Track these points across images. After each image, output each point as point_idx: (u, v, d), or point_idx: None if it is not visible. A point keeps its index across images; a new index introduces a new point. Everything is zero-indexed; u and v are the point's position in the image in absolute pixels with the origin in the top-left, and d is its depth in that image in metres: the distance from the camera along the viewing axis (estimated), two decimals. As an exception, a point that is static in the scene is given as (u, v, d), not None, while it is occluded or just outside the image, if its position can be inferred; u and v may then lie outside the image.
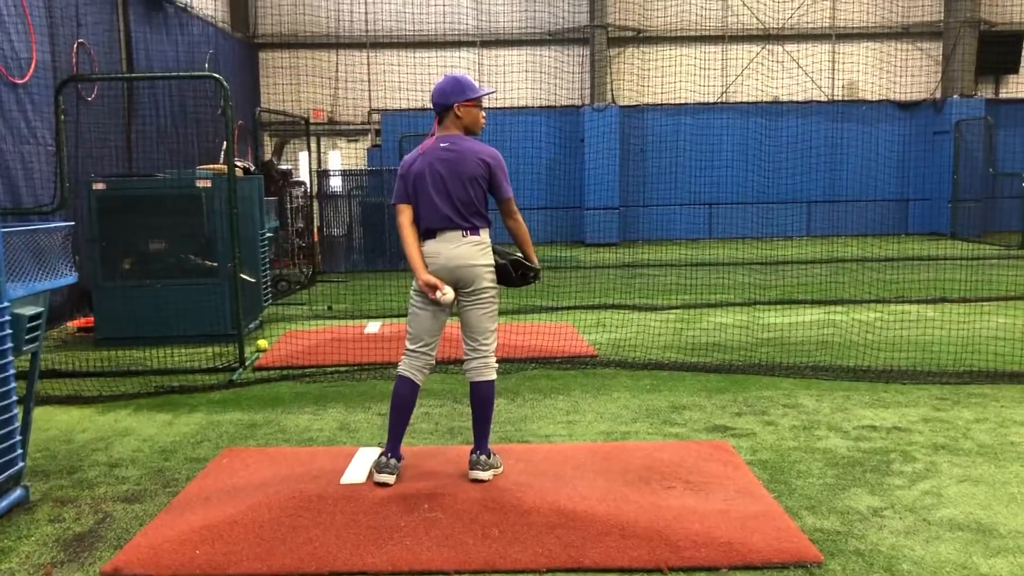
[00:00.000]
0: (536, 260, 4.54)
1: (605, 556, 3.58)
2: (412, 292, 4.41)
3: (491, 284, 4.39)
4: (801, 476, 4.53)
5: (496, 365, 4.44)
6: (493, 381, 4.41)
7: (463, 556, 3.60)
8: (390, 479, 4.29)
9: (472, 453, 4.41)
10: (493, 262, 4.39)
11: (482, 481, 4.29)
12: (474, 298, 4.36)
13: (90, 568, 3.64)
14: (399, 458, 4.40)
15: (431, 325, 4.42)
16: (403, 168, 4.41)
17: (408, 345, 4.45)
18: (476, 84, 4.41)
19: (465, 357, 4.45)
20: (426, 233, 4.34)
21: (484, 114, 4.46)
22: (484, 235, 4.37)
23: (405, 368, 4.44)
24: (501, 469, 4.45)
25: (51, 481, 4.70)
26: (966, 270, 12.39)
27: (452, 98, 4.33)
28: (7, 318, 4.10)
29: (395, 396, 4.43)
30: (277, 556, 3.62)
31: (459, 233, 4.30)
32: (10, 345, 4.14)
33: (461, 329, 4.46)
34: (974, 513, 4.01)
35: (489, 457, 4.40)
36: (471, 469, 4.35)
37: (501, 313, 9.83)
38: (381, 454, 4.41)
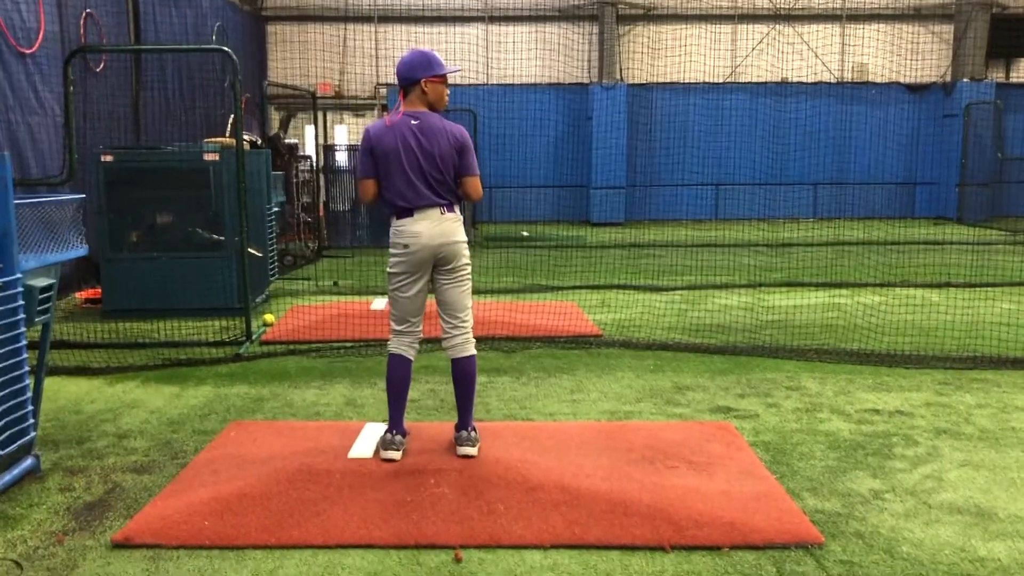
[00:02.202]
0: None
1: (608, 533, 3.62)
2: (391, 276, 4.43)
3: (468, 260, 4.45)
4: (803, 458, 4.57)
5: (473, 340, 4.49)
6: (475, 356, 4.46)
7: (468, 531, 3.65)
8: (396, 455, 4.33)
9: (459, 430, 4.44)
10: (466, 238, 4.45)
11: (471, 457, 4.32)
12: (455, 275, 4.40)
13: (100, 536, 3.70)
14: (404, 433, 4.45)
15: (415, 306, 4.48)
16: (368, 141, 4.32)
17: (394, 326, 4.49)
18: (443, 61, 4.36)
19: (445, 336, 4.49)
20: (401, 211, 4.31)
21: (448, 91, 4.41)
22: (457, 211, 4.40)
23: (395, 347, 4.48)
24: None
25: (61, 451, 4.76)
26: (972, 255, 12.39)
27: (420, 72, 4.27)
28: (20, 289, 4.13)
29: (391, 374, 4.47)
30: (285, 529, 3.67)
31: (437, 210, 4.30)
32: (22, 316, 4.18)
33: (439, 307, 4.50)
34: (974, 497, 4.05)
35: (474, 432, 4.45)
36: (460, 445, 4.38)
37: (506, 291, 9.88)
38: (386, 431, 4.46)
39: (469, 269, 4.47)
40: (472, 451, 4.36)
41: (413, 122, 4.29)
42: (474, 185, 4.39)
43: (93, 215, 8.58)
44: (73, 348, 7.11)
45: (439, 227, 4.30)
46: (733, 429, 4.98)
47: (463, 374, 4.45)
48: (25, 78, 9.17)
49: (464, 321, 4.46)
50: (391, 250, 4.40)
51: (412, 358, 4.51)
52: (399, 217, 4.34)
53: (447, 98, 4.39)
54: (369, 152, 4.33)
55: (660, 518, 3.73)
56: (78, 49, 8.17)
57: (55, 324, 5.73)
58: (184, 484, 4.17)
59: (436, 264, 4.36)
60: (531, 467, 4.24)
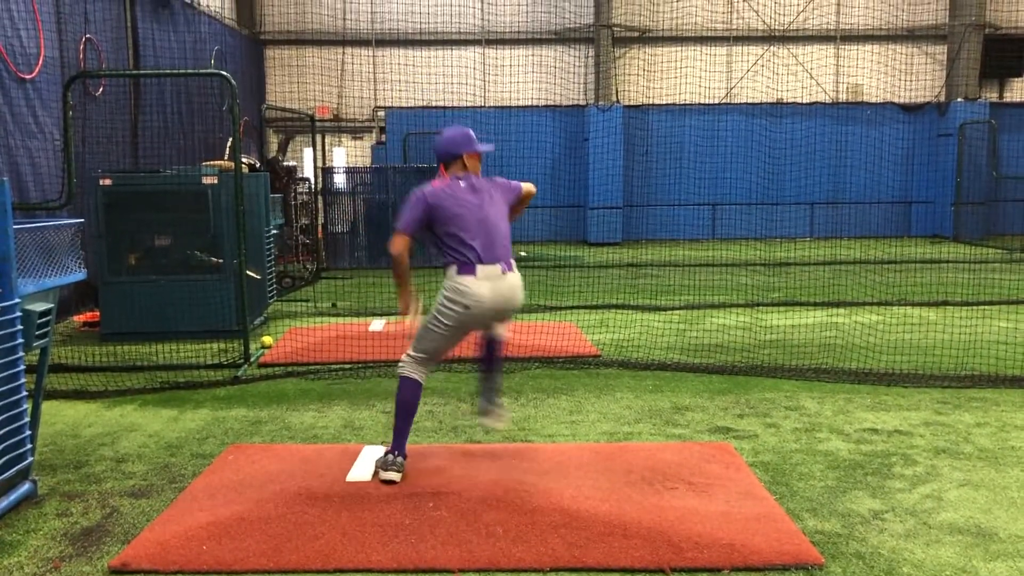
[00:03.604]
0: None
1: (608, 556, 3.61)
2: (438, 313, 4.45)
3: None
4: (803, 478, 4.56)
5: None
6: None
7: (467, 554, 3.63)
8: (397, 477, 4.33)
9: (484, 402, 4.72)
10: None
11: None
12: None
13: (98, 562, 3.68)
14: (405, 456, 4.44)
15: (447, 348, 4.58)
16: (424, 200, 4.49)
17: (417, 355, 4.50)
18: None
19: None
20: (465, 267, 4.36)
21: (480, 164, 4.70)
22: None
23: (412, 372, 4.49)
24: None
25: (58, 475, 4.74)
26: (968, 273, 12.42)
27: (463, 148, 4.59)
28: (18, 314, 4.14)
29: (402, 397, 4.47)
30: (283, 553, 3.66)
31: (506, 265, 4.44)
32: (21, 341, 4.18)
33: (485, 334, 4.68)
34: (974, 517, 4.04)
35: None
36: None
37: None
38: (387, 452, 4.45)
39: None
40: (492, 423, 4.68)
41: (463, 183, 4.53)
42: (528, 188, 4.78)
43: (92, 238, 8.59)
44: (71, 372, 7.10)
45: (515, 279, 4.48)
46: (732, 450, 4.97)
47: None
48: (25, 103, 9.21)
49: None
50: (448, 302, 4.43)
51: (424, 383, 4.58)
52: (462, 273, 4.39)
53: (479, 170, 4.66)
54: (422, 209, 4.47)
55: (660, 540, 3.72)
56: (78, 74, 8.22)
57: (53, 348, 5.73)
58: (182, 508, 4.15)
59: (503, 316, 4.55)
60: (530, 489, 4.23)
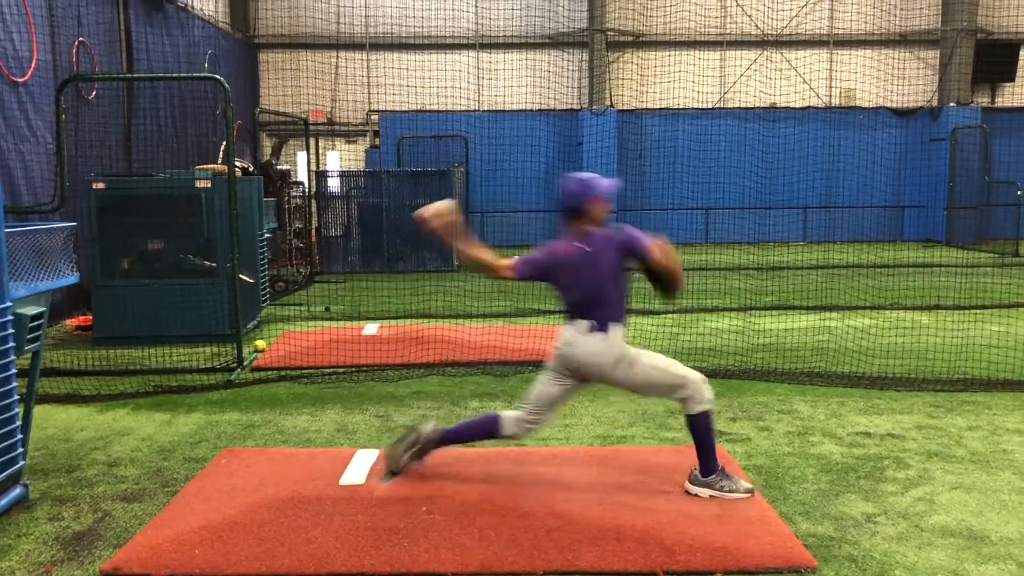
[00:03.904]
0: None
1: (601, 559, 3.61)
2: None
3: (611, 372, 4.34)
4: (795, 482, 4.57)
5: (697, 394, 4.31)
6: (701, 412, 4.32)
7: (461, 558, 3.63)
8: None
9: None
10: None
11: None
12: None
13: (89, 567, 3.67)
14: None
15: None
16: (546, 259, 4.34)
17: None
18: (599, 179, 4.37)
19: None
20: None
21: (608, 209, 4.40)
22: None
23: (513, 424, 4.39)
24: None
25: (50, 479, 4.72)
26: (961, 277, 12.46)
27: (589, 195, 4.29)
28: (9, 318, 4.13)
29: (479, 425, 4.45)
30: (276, 557, 3.65)
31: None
32: (12, 345, 4.17)
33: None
34: (966, 520, 4.06)
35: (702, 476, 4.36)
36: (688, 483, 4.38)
37: (498, 316, 9.88)
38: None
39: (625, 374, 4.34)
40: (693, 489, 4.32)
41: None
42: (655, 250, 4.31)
43: (84, 242, 8.57)
44: (63, 376, 7.08)
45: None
46: (725, 453, 4.98)
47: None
48: (17, 106, 9.19)
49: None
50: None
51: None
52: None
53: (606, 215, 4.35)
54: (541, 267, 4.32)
55: (653, 543, 3.73)
56: (70, 78, 8.22)
57: (46, 351, 5.72)
58: (175, 512, 4.14)
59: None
60: (523, 493, 4.23)
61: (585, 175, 4.42)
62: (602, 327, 4.23)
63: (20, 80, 9.20)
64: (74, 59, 10.42)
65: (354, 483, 4.38)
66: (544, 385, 4.39)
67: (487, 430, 4.46)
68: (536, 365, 7.25)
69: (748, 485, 4.33)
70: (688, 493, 4.30)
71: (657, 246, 4.21)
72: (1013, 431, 5.41)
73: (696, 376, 4.31)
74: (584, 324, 4.23)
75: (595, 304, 4.24)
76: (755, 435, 5.39)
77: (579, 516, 3.97)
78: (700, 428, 4.31)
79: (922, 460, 4.89)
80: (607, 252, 4.25)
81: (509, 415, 4.43)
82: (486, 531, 3.85)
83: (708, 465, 4.31)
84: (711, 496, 4.26)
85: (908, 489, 4.45)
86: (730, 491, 4.25)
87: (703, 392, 4.27)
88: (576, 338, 4.25)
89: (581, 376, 4.33)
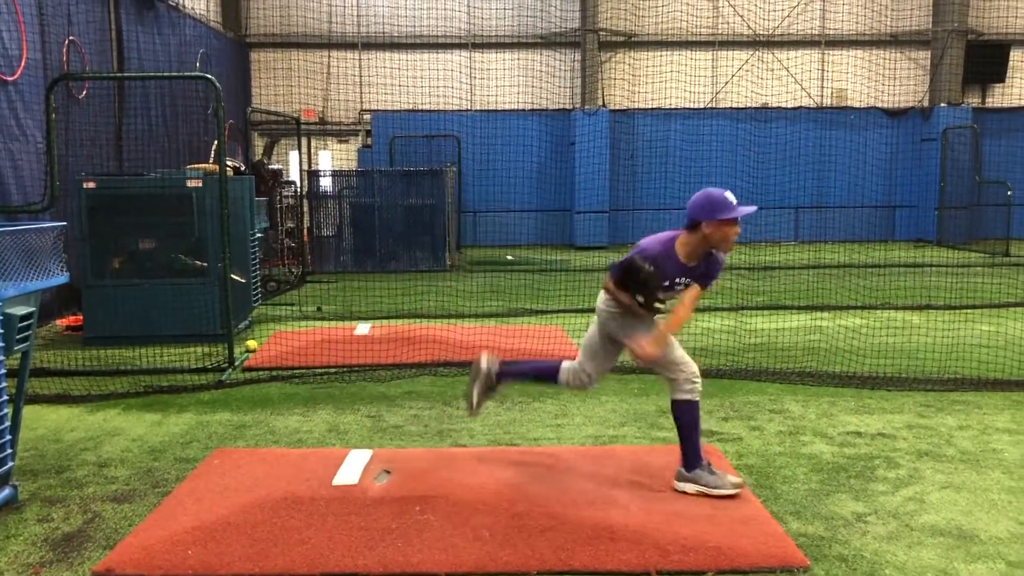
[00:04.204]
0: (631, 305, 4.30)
1: (594, 559, 3.61)
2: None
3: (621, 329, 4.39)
4: (786, 481, 4.58)
5: (689, 381, 4.33)
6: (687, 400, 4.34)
7: (454, 558, 3.63)
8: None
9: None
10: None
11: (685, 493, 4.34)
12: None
13: (79, 568, 3.65)
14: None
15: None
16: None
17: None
18: (732, 201, 4.21)
19: None
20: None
21: (738, 231, 4.24)
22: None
23: None
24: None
25: (40, 480, 4.70)
26: (952, 277, 12.51)
27: (702, 215, 4.18)
28: (-1, 318, 4.11)
29: (542, 366, 4.57)
30: (269, 557, 3.64)
31: None
32: (1, 345, 4.14)
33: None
34: (956, 519, 4.07)
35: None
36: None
37: (491, 315, 9.88)
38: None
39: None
40: (679, 486, 4.35)
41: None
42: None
43: (75, 242, 8.54)
44: (53, 376, 7.05)
45: None
46: (718, 452, 4.99)
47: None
48: (7, 105, 9.15)
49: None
50: None
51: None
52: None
53: (733, 239, 4.24)
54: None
55: (646, 543, 3.73)
56: (61, 77, 8.18)
57: (35, 352, 5.69)
58: (167, 513, 4.13)
59: None
60: (516, 493, 4.23)
61: (718, 193, 4.22)
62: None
63: (10, 79, 9.16)
64: (64, 58, 10.37)
65: (347, 483, 4.37)
66: (588, 335, 4.53)
67: (547, 374, 4.58)
68: (528, 365, 7.26)
69: (736, 480, 4.33)
70: (676, 491, 4.32)
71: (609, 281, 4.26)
72: (1003, 430, 5.44)
73: (693, 367, 4.35)
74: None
75: None
76: (746, 435, 5.40)
77: (572, 516, 3.97)
78: (683, 417, 4.34)
79: (912, 460, 4.91)
80: (681, 271, 4.27)
81: (567, 363, 4.54)
82: (480, 531, 3.85)
83: (691, 459, 4.34)
84: (697, 492, 4.27)
85: (898, 489, 4.47)
86: (715, 487, 4.27)
87: (693, 382, 4.31)
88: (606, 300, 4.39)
89: (604, 328, 4.41)
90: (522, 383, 4.55)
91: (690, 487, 4.30)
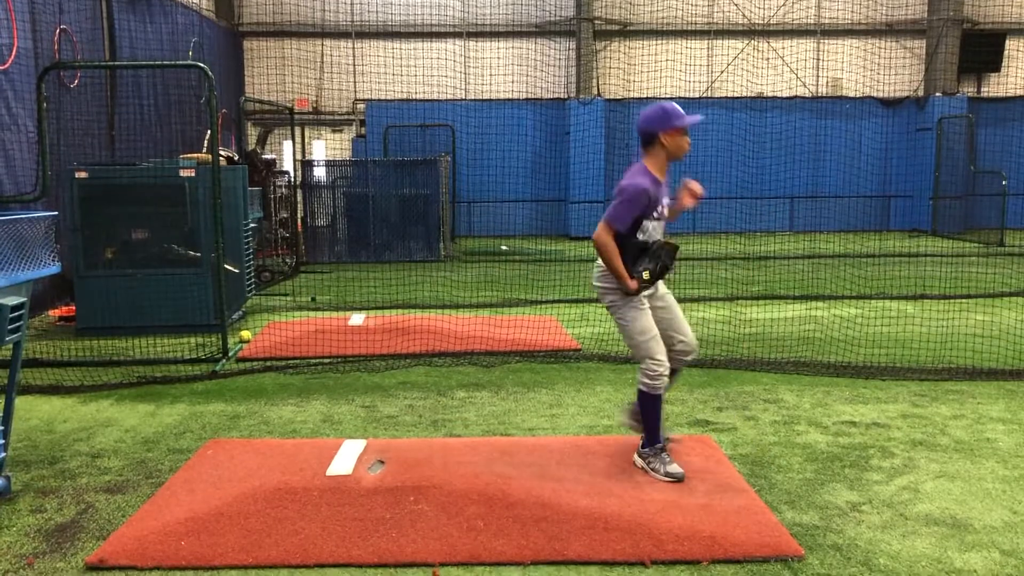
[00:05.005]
0: (626, 283, 4.32)
1: (589, 549, 3.61)
2: (617, 306, 4.39)
3: (616, 307, 4.40)
4: (781, 471, 4.58)
5: (647, 372, 4.34)
6: (638, 390, 4.41)
7: (448, 548, 3.62)
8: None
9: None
10: (610, 285, 4.39)
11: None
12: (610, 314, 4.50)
13: (72, 559, 3.64)
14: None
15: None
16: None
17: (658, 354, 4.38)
18: (683, 112, 4.37)
19: None
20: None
21: (689, 140, 4.43)
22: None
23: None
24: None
25: (33, 471, 4.68)
26: (946, 267, 12.53)
27: (657, 126, 4.34)
28: (-10, 308, 4.07)
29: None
30: (263, 548, 3.63)
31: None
32: (-7, 335, 4.12)
33: None
34: (950, 508, 4.08)
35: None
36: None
37: (485, 306, 9.86)
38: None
39: (616, 314, 4.41)
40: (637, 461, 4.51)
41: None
42: (597, 229, 4.30)
43: (67, 232, 8.50)
44: (46, 366, 7.02)
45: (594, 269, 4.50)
46: (712, 442, 4.99)
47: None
48: (-2, 94, 9.08)
49: (634, 355, 4.45)
50: None
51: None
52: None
53: (687, 146, 4.41)
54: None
55: (640, 533, 3.73)
56: (52, 65, 8.11)
57: (28, 342, 5.66)
58: (160, 504, 4.11)
59: None
60: (511, 483, 4.22)
61: (669, 104, 4.40)
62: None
63: (0, 68, 9.08)
64: (56, 47, 10.30)
65: (341, 474, 4.36)
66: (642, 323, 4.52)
67: (653, 402, 4.44)
68: (523, 355, 7.26)
69: (677, 471, 4.34)
70: (635, 465, 4.49)
71: (602, 229, 4.27)
72: (997, 420, 5.45)
73: (664, 364, 4.34)
74: None
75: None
76: (741, 424, 5.40)
77: (567, 506, 3.97)
78: (643, 403, 4.43)
79: (907, 449, 4.92)
80: (616, 189, 4.38)
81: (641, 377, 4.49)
82: (474, 521, 3.84)
83: (649, 438, 4.47)
84: (642, 468, 4.44)
85: (893, 478, 4.47)
86: (653, 470, 4.39)
87: (652, 378, 4.33)
88: (597, 264, 4.45)
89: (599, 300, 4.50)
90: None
91: (639, 462, 4.49)
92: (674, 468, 4.38)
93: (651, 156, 4.40)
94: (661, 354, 4.36)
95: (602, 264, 4.39)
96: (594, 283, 4.50)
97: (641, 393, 4.41)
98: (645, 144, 4.40)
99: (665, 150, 4.36)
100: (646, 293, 4.42)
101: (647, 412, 4.45)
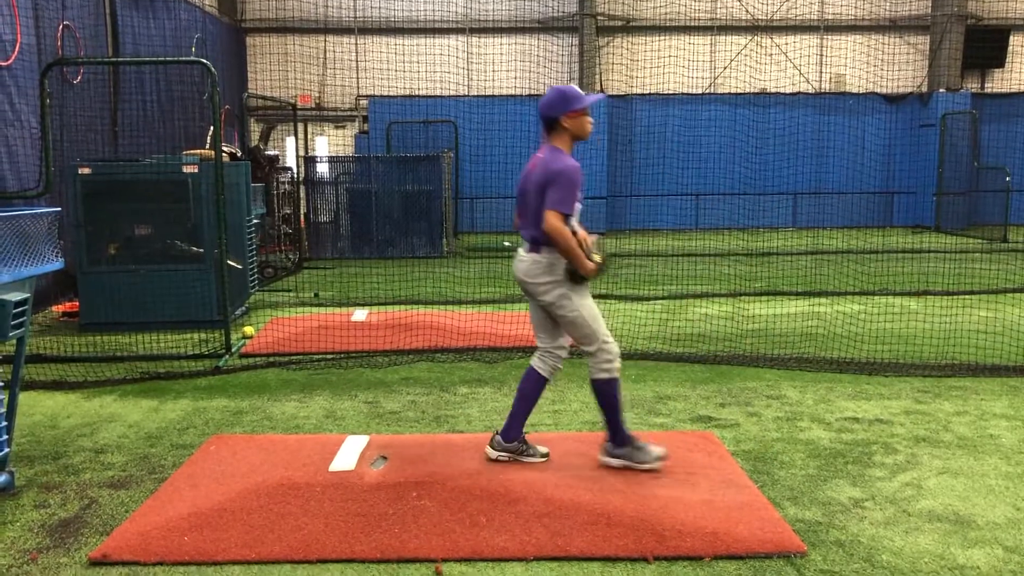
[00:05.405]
0: (586, 266, 4.22)
1: (591, 544, 3.61)
2: (564, 299, 4.31)
3: (556, 299, 4.32)
4: (784, 467, 4.58)
5: (607, 356, 4.34)
6: (594, 380, 4.39)
7: (451, 544, 3.62)
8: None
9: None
10: (553, 279, 4.29)
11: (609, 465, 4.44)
12: (549, 311, 4.42)
13: (75, 554, 3.65)
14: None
15: (534, 322, 4.53)
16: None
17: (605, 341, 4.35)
18: (582, 93, 4.35)
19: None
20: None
21: (591, 120, 4.39)
22: (544, 252, 4.28)
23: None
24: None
25: (36, 466, 4.69)
26: (950, 263, 12.51)
27: (558, 110, 4.30)
28: (-7, 304, 4.08)
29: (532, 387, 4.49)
30: (265, 544, 3.63)
31: (525, 247, 4.37)
32: (-4, 331, 4.12)
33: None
34: (953, 505, 4.07)
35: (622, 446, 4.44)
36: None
37: (487, 302, 9.85)
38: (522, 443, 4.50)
39: (562, 308, 4.31)
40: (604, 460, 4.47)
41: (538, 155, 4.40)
42: (546, 218, 4.17)
43: (70, 228, 8.51)
44: (50, 362, 7.03)
45: (519, 263, 4.40)
46: (715, 438, 4.99)
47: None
48: (1, 90, 9.08)
49: (586, 349, 4.38)
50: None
51: (543, 373, 4.51)
52: None
53: (590, 127, 4.37)
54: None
55: (643, 528, 3.73)
56: (55, 61, 8.11)
57: (31, 338, 5.67)
58: (163, 499, 4.12)
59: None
60: (513, 478, 4.23)
61: (568, 87, 4.37)
62: (535, 248, 4.31)
63: (4, 64, 9.09)
64: (59, 43, 10.30)
65: (344, 469, 4.37)
66: (531, 310, 4.56)
67: (533, 387, 4.50)
68: (525, 351, 7.26)
69: (659, 452, 4.38)
70: (600, 465, 4.42)
71: (553, 217, 4.14)
72: (1000, 416, 5.44)
73: (613, 346, 4.35)
74: (527, 244, 4.36)
75: (530, 224, 4.33)
76: (744, 420, 5.40)
77: (569, 501, 3.97)
78: (601, 394, 4.39)
79: (910, 445, 4.91)
80: (536, 175, 4.31)
81: (538, 363, 4.53)
82: (476, 517, 3.84)
83: (616, 436, 4.42)
84: (622, 465, 4.38)
85: (896, 474, 4.47)
86: (640, 461, 4.37)
87: (610, 360, 4.32)
88: (520, 255, 4.40)
89: (530, 295, 4.42)
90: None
91: (615, 461, 4.42)
92: (658, 449, 4.40)
93: (558, 139, 4.36)
94: (609, 334, 4.38)
95: (539, 258, 4.28)
96: (527, 279, 4.34)
97: (604, 383, 4.33)
98: (549, 129, 4.37)
99: (568, 132, 4.33)
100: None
101: (614, 400, 4.37)
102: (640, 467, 4.38)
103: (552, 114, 4.32)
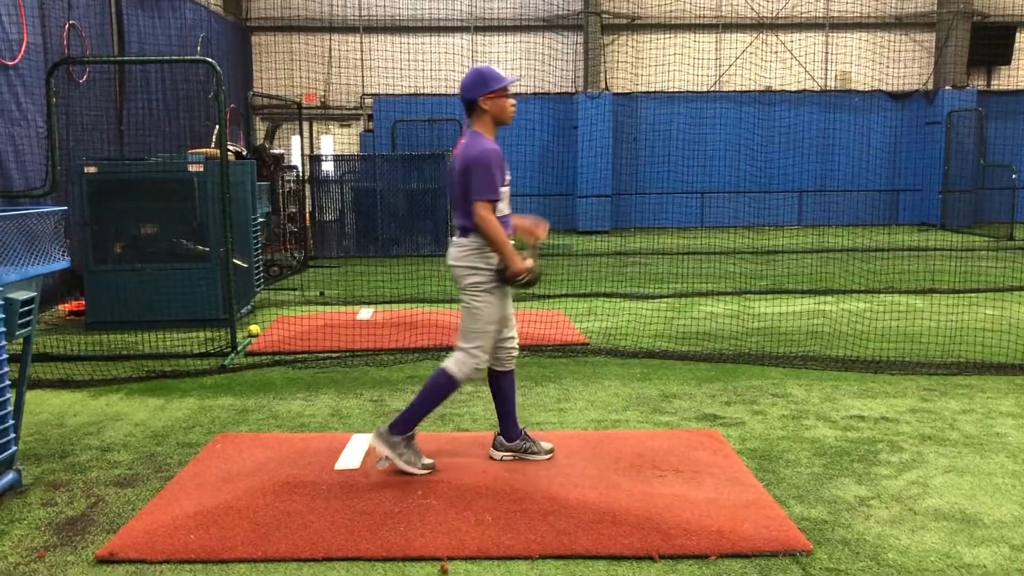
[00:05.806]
0: (516, 264, 4.19)
1: (597, 543, 3.61)
2: (480, 288, 4.25)
3: (473, 286, 4.26)
4: (789, 465, 4.58)
5: (472, 363, 4.28)
6: (445, 370, 4.30)
7: (457, 542, 3.63)
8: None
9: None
10: (479, 265, 4.24)
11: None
12: (464, 296, 4.34)
13: (82, 552, 3.66)
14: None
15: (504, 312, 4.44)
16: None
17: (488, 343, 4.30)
18: (500, 73, 4.28)
19: None
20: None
21: (513, 102, 4.29)
22: (472, 237, 4.22)
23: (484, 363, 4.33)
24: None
25: (43, 465, 4.71)
26: (955, 261, 12.48)
27: (475, 92, 4.22)
28: (0, 303, 4.10)
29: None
30: (271, 542, 3.64)
31: (456, 234, 4.33)
32: (2, 330, 4.14)
33: None
34: (959, 503, 4.07)
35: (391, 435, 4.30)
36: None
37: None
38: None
39: (474, 296, 4.25)
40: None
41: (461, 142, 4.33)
42: (475, 210, 4.12)
43: (77, 227, 8.53)
44: (56, 361, 7.05)
45: (450, 249, 4.35)
46: (720, 437, 4.98)
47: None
48: (7, 90, 9.11)
49: (459, 340, 4.32)
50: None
51: (498, 368, 4.50)
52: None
53: (512, 109, 4.30)
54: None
55: (648, 527, 3.73)
56: (61, 61, 8.14)
57: (38, 337, 5.69)
58: (170, 497, 4.13)
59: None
60: (519, 477, 4.23)
61: (486, 67, 4.27)
62: (464, 234, 4.26)
63: (10, 63, 9.12)
64: (65, 42, 10.33)
65: (349, 467, 4.38)
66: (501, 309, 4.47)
67: (440, 388, 4.35)
68: (530, 350, 7.26)
69: (430, 463, 4.32)
70: (377, 450, 4.30)
71: (481, 208, 4.09)
72: (1006, 414, 5.43)
73: (482, 362, 4.29)
74: (457, 231, 4.31)
75: (457, 210, 4.27)
76: (749, 419, 5.39)
77: (575, 500, 3.97)
78: (433, 387, 4.29)
79: (916, 443, 4.90)
80: (457, 162, 4.24)
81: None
82: (482, 515, 3.85)
83: (409, 423, 4.29)
84: (386, 457, 4.25)
85: (901, 472, 4.46)
86: (407, 462, 4.24)
87: (469, 367, 4.26)
88: (452, 241, 4.34)
89: (456, 280, 4.36)
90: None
91: (383, 448, 4.26)
92: (428, 460, 4.31)
93: (479, 123, 4.27)
94: (490, 351, 4.32)
95: (466, 242, 4.21)
96: (453, 263, 4.27)
97: (446, 380, 4.25)
98: (469, 112, 4.28)
99: (488, 114, 4.24)
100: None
101: (435, 398, 4.29)
102: (398, 461, 4.23)
103: (470, 96, 4.21)
